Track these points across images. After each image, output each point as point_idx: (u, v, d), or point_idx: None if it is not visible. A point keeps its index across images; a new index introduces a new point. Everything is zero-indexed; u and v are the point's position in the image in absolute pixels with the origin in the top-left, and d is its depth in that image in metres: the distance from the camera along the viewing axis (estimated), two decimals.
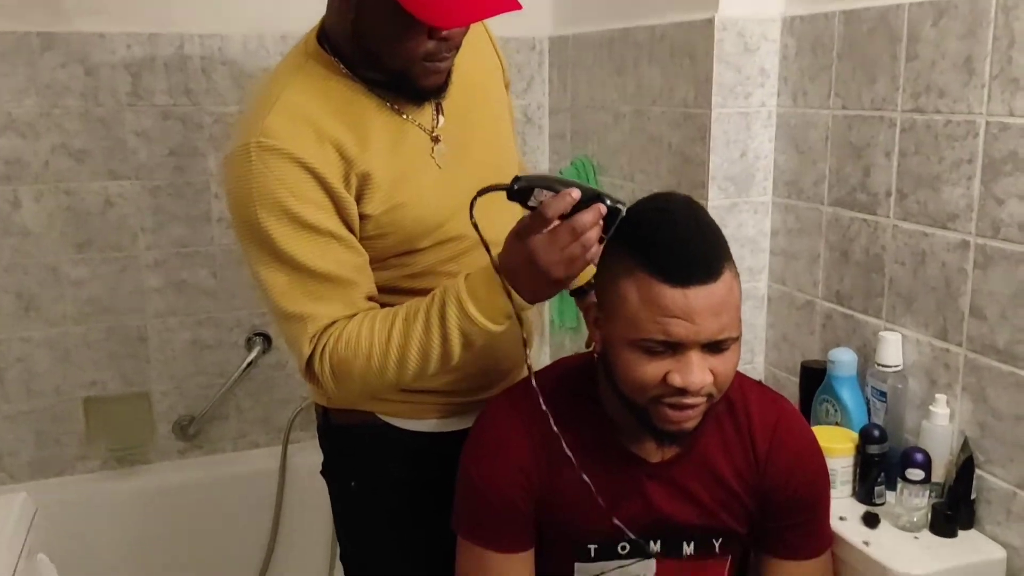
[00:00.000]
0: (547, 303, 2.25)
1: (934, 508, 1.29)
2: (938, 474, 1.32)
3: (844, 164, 1.51)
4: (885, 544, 1.26)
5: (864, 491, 1.36)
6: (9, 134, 1.88)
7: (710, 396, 1.05)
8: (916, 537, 1.28)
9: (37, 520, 1.43)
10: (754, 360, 1.76)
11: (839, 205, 1.53)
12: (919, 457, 1.28)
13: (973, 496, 1.30)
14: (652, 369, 1.02)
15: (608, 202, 1.02)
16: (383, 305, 1.17)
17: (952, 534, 1.28)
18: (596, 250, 1.03)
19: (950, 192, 1.32)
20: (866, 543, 1.26)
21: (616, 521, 1.10)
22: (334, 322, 1.13)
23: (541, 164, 2.32)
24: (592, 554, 1.17)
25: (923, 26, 1.34)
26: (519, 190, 1.03)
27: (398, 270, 1.22)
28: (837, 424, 1.44)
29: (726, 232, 1.07)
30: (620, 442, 1.14)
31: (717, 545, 1.18)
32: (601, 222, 1.02)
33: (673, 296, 0.99)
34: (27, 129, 1.89)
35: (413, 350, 1.10)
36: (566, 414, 1.11)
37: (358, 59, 1.15)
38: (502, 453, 1.15)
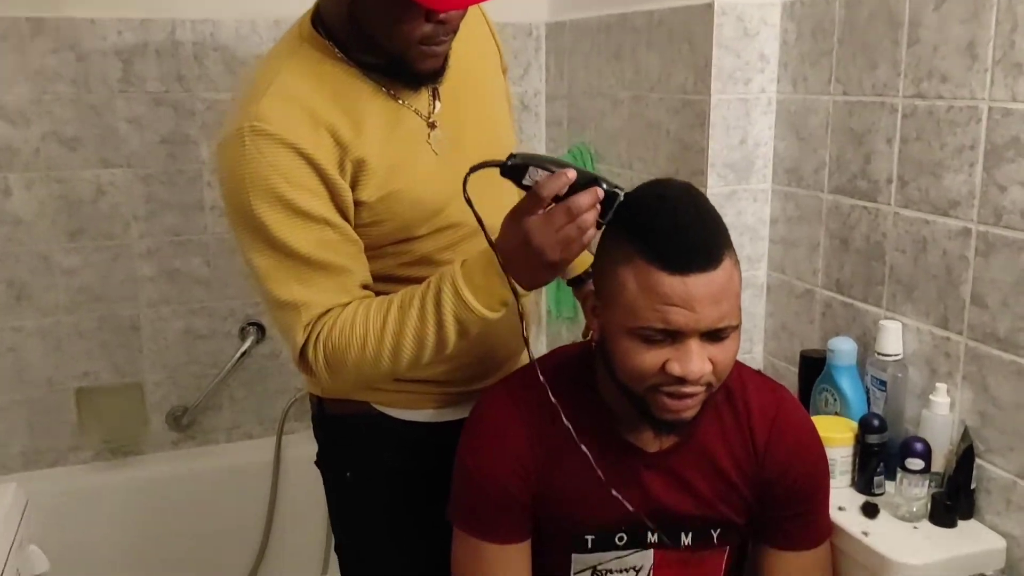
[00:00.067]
0: (544, 293, 2.24)
1: (934, 498, 1.29)
2: (938, 464, 1.31)
3: (845, 151, 1.50)
4: (884, 534, 1.26)
5: (863, 481, 1.36)
6: None
7: (709, 385, 1.04)
8: (915, 527, 1.28)
9: (29, 511, 1.42)
10: (753, 349, 1.75)
11: (839, 192, 1.52)
12: (919, 447, 1.28)
13: (973, 486, 1.29)
14: (651, 358, 1.01)
15: (605, 186, 1.01)
16: (379, 294, 1.16)
17: (952, 524, 1.28)
18: (592, 233, 1.01)
19: (952, 179, 1.30)
20: (865, 533, 1.26)
21: (614, 492, 1.08)
22: (328, 310, 1.11)
23: (538, 151, 2.30)
24: (589, 545, 1.16)
25: (925, 10, 1.32)
26: (513, 166, 1.02)
27: (394, 258, 1.20)
28: (837, 414, 1.43)
29: (725, 220, 1.06)
30: (618, 432, 1.13)
31: (715, 536, 1.18)
32: (598, 206, 1.00)
33: (672, 284, 0.98)
34: (17, 116, 1.87)
35: (408, 338, 1.09)
36: (564, 404, 1.10)
37: (354, 43, 1.13)
38: (499, 443, 1.14)
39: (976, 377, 1.30)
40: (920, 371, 1.39)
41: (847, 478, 1.37)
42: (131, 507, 2.04)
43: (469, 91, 1.24)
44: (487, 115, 1.29)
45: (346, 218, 1.13)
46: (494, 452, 1.14)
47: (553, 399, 1.06)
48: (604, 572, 1.18)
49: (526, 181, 1.01)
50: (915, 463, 1.27)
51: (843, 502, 1.32)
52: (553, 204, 1.01)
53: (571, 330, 2.16)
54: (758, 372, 1.25)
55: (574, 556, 1.17)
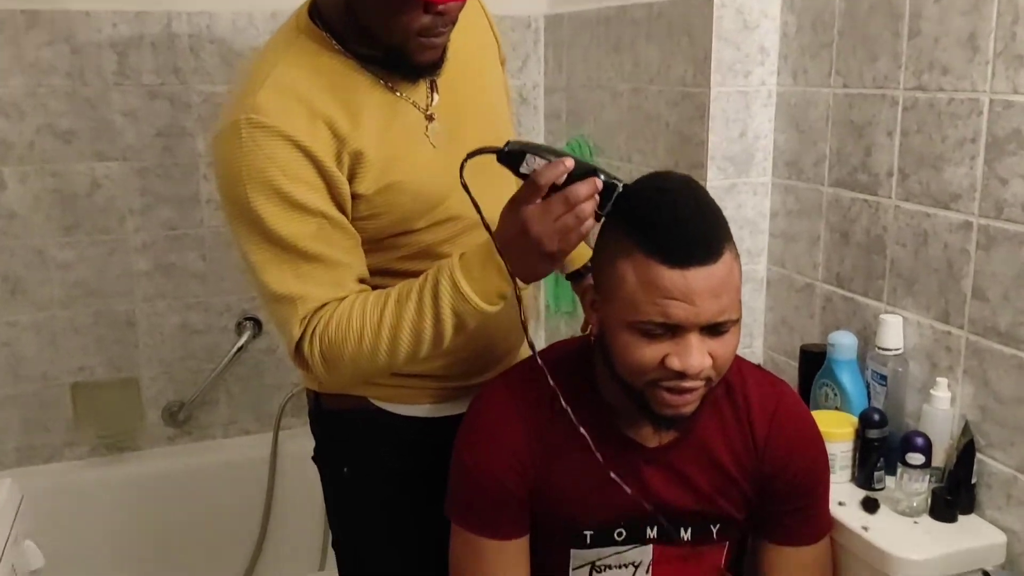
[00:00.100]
0: (543, 287, 2.24)
1: (934, 493, 1.28)
2: (938, 458, 1.31)
3: (845, 144, 1.49)
4: (884, 529, 1.25)
5: (864, 476, 1.35)
6: None
7: (709, 380, 1.03)
8: (916, 522, 1.27)
9: (24, 507, 1.42)
10: (753, 344, 1.74)
11: (840, 185, 1.51)
12: (919, 441, 1.27)
13: (974, 480, 1.29)
14: (650, 352, 1.00)
15: (603, 177, 1.00)
16: (377, 287, 1.15)
17: (952, 519, 1.27)
18: (590, 224, 1.01)
19: (953, 172, 1.30)
20: (865, 528, 1.25)
21: (613, 475, 1.07)
22: (325, 304, 1.11)
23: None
24: (588, 540, 1.15)
25: (926, 2, 1.31)
26: (510, 152, 1.01)
27: (392, 251, 1.19)
28: (837, 408, 1.43)
29: (725, 213, 1.05)
30: (617, 427, 1.12)
31: (714, 531, 1.17)
32: (597, 197, 0.99)
33: (672, 277, 0.97)
34: (12, 109, 1.86)
35: (405, 331, 1.08)
36: (563, 397, 1.09)
37: (351, 34, 1.12)
38: (497, 438, 1.13)
39: (977, 371, 1.29)
40: (921, 365, 1.38)
41: (847, 473, 1.37)
42: (127, 502, 2.04)
43: (467, 83, 1.23)
44: (485, 107, 1.28)
45: (343, 211, 1.12)
46: (491, 448, 1.13)
47: (552, 383, 1.05)
48: (603, 568, 1.17)
49: (523, 169, 1.01)
50: (915, 458, 1.27)
51: (843, 497, 1.32)
52: (551, 194, 1.00)
53: (570, 325, 2.15)
54: (758, 367, 1.24)
55: (573, 552, 1.16)
